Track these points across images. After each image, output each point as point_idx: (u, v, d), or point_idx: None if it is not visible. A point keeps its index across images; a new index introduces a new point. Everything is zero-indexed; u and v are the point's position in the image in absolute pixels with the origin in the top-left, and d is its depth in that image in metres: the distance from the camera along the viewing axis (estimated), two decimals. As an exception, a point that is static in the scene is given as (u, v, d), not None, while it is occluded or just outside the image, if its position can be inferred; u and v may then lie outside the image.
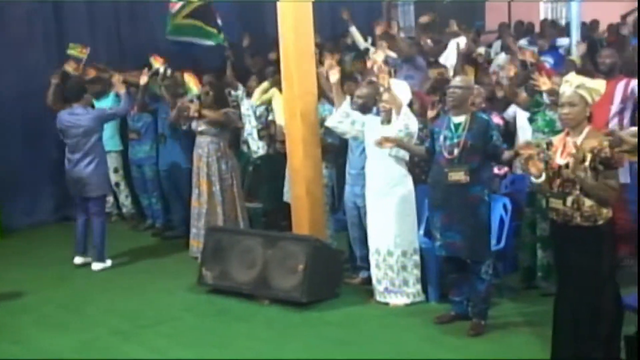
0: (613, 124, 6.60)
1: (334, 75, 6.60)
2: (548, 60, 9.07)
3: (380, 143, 6.07)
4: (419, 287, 6.39)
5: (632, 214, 6.76)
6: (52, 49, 9.60)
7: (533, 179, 4.81)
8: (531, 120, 6.54)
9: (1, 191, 9.16)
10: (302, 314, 6.30)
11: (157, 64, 8.86)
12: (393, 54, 9.03)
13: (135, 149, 8.88)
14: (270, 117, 8.42)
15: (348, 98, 6.74)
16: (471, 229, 5.68)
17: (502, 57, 10.46)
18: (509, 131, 7.19)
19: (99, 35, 10.13)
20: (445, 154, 5.72)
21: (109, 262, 7.78)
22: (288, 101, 6.85)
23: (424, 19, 11.48)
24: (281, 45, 6.80)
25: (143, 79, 8.37)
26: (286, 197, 7.53)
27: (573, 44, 8.65)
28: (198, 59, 10.17)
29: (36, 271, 7.80)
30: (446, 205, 5.75)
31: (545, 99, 6.37)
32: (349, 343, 5.75)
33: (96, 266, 7.70)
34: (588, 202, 4.59)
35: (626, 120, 6.65)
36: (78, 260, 7.82)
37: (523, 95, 6.81)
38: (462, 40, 9.25)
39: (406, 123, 6.15)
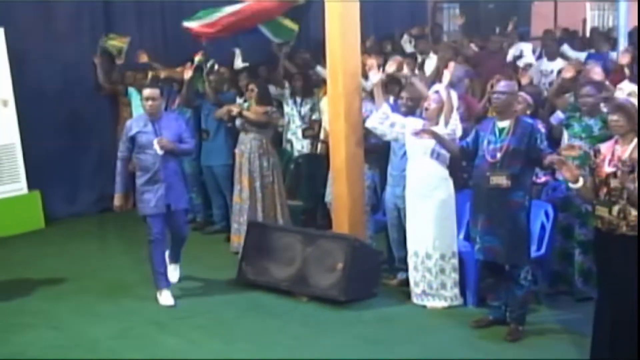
0: None
1: (375, 76, 6.61)
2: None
3: (417, 134, 6.07)
4: (456, 290, 6.38)
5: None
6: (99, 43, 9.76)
7: (570, 185, 4.79)
8: (567, 125, 6.51)
9: (46, 180, 9.30)
10: (339, 312, 6.32)
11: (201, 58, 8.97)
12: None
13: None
14: (314, 117, 8.45)
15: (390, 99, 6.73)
16: (510, 234, 5.66)
17: (544, 64, 10.39)
18: (554, 138, 7.13)
19: (145, 30, 10.27)
20: (488, 158, 5.71)
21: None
22: (333, 100, 6.86)
23: (457, 21, 11.52)
24: (327, 44, 6.82)
25: (187, 74, 8.43)
26: (327, 198, 7.55)
27: (620, 51, 8.55)
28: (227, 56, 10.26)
29: (75, 260, 7.93)
30: (486, 210, 5.74)
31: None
32: (383, 343, 5.77)
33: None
34: (634, 212, 4.55)
35: None
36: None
37: (564, 98, 6.77)
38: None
39: (454, 128, 6.19)
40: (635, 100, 4.72)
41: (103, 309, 6.55)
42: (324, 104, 8.17)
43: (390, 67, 7.18)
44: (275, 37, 9.21)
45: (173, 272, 7.09)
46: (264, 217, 7.68)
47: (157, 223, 6.54)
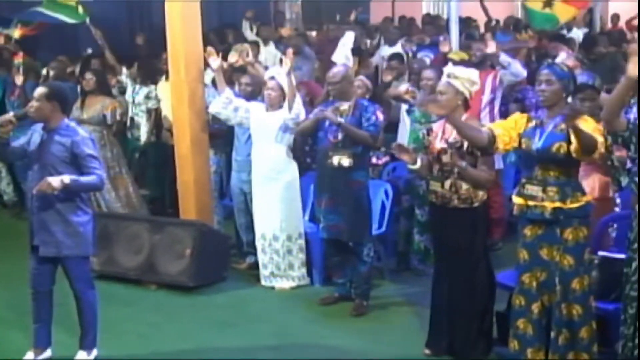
0: (485, 113, 7.06)
1: (215, 62, 6.65)
2: (429, 55, 9.44)
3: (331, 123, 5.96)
4: (303, 270, 6.55)
5: (505, 199, 7.12)
6: None
7: (409, 166, 5.05)
8: (408, 112, 6.83)
9: None
10: (189, 297, 6.36)
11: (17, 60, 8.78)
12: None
13: (15, 134, 8.64)
14: (150, 105, 8.32)
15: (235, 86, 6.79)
16: (353, 212, 5.89)
17: (385, 50, 10.75)
18: (392, 122, 7.42)
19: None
20: (330, 138, 5.91)
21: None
22: (175, 86, 6.85)
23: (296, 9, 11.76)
24: (168, 30, 6.80)
25: (19, 79, 8.46)
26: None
27: (452, 40, 8.97)
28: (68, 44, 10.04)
29: None
30: (330, 189, 5.95)
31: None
32: (234, 325, 5.85)
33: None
34: (465, 185, 4.85)
35: (496, 109, 7.17)
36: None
37: (397, 89, 7.05)
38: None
39: (297, 113, 6.31)
40: (455, 82, 4.97)
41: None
42: (160, 90, 8.10)
43: (232, 57, 7.28)
44: (68, 18, 9.08)
45: None
46: (122, 207, 7.61)
47: (32, 262, 5.17)
